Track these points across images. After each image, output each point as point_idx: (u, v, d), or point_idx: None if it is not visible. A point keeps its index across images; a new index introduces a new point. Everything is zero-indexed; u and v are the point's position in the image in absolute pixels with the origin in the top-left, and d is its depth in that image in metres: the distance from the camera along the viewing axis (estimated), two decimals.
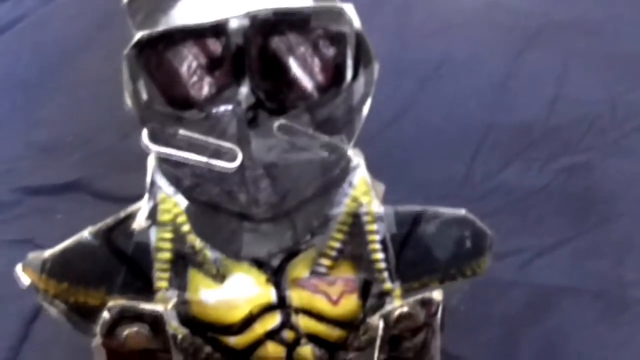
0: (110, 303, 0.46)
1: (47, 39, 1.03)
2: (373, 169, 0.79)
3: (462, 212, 0.51)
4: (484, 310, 0.76)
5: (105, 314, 0.46)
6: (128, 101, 0.45)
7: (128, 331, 0.46)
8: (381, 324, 0.47)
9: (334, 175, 0.48)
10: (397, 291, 0.49)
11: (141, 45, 0.44)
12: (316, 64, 0.46)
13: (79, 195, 0.87)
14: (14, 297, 0.77)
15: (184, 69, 0.45)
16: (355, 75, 0.47)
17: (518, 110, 0.90)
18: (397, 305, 0.47)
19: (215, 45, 0.44)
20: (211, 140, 0.45)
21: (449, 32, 0.93)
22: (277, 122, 0.45)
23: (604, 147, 0.86)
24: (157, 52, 0.44)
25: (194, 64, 0.45)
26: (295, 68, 0.46)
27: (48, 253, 0.48)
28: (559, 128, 0.88)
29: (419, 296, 0.48)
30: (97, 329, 0.46)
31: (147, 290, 0.48)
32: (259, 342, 0.49)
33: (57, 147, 0.91)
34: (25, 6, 1.08)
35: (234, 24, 0.43)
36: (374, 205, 0.49)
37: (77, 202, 0.86)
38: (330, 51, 0.46)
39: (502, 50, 0.92)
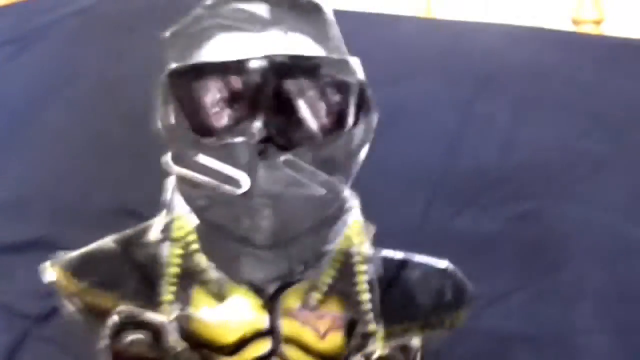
0: (120, 307, 0.51)
1: (11, 94, 1.05)
2: None
3: (445, 263, 0.56)
4: (438, 358, 0.77)
5: (115, 317, 0.50)
6: (159, 123, 0.51)
7: (132, 337, 0.50)
8: None
9: (330, 213, 0.52)
10: (380, 333, 0.52)
11: (174, 75, 0.50)
12: (323, 107, 0.51)
13: (42, 253, 0.87)
14: None
15: (208, 99, 0.50)
16: (355, 122, 0.52)
17: (472, 156, 0.91)
18: (378, 347, 0.51)
19: (236, 82, 0.50)
20: (224, 166, 0.49)
21: (402, 80, 0.94)
22: (284, 157, 0.49)
23: (555, 193, 0.88)
24: (186, 82, 0.50)
25: (217, 97, 0.50)
26: (304, 109, 0.51)
27: (75, 253, 0.54)
28: (511, 174, 0.90)
29: (399, 341, 0.52)
30: (105, 331, 0.50)
31: (154, 301, 0.51)
32: None
33: (20, 204, 0.91)
34: None
35: (254, 64, 0.49)
36: (365, 247, 0.53)
37: (40, 260, 0.87)
38: (335, 97, 0.51)
39: (454, 96, 0.94)
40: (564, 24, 1.08)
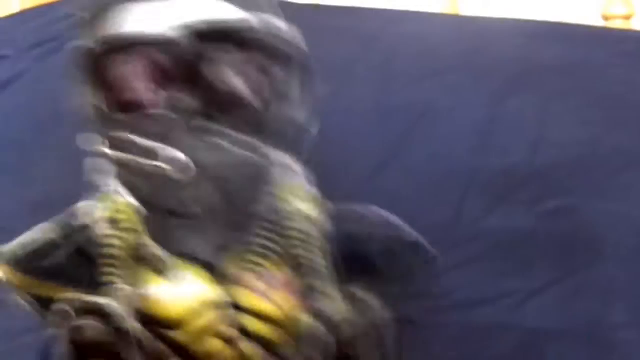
0: (65, 295, 0.50)
1: (41, 96, 1.05)
2: None
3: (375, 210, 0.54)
4: (473, 354, 0.77)
5: (60, 305, 0.49)
6: (78, 103, 0.50)
7: (81, 323, 0.49)
8: (321, 328, 0.50)
9: (256, 174, 0.51)
10: (333, 293, 0.52)
11: (91, 53, 0.49)
12: (253, 75, 0.50)
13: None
14: (14, 355, 0.78)
15: (128, 74, 0.49)
16: (300, 93, 0.52)
17: (502, 153, 0.91)
18: (336, 308, 0.50)
19: (157, 54, 0.49)
20: (150, 142, 0.49)
21: (432, 79, 0.94)
22: (211, 126, 0.49)
23: (587, 189, 0.87)
24: (104, 58, 0.49)
25: (138, 71, 0.49)
26: (233, 78, 0.50)
27: (14, 244, 0.54)
28: (543, 170, 0.89)
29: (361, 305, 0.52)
30: (54, 319, 0.50)
31: (99, 284, 0.50)
32: (201, 338, 0.51)
33: (50, 205, 0.91)
34: (20, 65, 1.10)
35: (172, 33, 0.48)
36: (303, 205, 0.52)
37: None
38: (267, 65, 0.50)
39: (483, 93, 0.94)
40: (594, 19, 1.08)
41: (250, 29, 0.49)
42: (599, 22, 1.09)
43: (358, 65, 0.94)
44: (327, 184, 0.94)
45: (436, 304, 0.80)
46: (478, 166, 0.90)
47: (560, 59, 0.95)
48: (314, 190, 0.53)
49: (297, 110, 0.51)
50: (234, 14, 0.49)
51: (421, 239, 0.54)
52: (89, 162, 0.51)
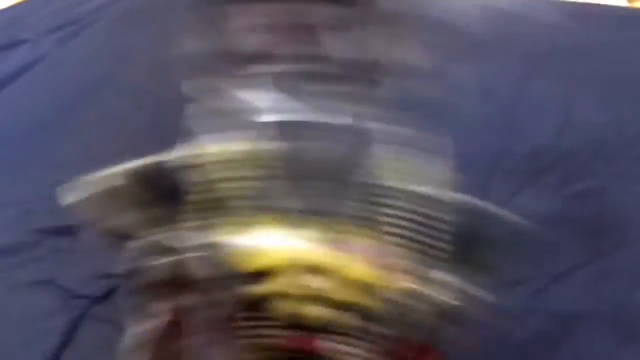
0: (141, 232, 0.48)
1: (63, 79, 1.06)
2: None
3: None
4: (498, 337, 0.76)
5: (135, 243, 0.48)
6: (187, 48, 0.49)
7: (153, 263, 0.48)
8: (397, 299, 0.48)
9: (361, 145, 0.50)
10: (418, 269, 0.50)
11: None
12: (377, 40, 0.50)
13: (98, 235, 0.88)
14: (36, 339, 0.78)
15: (244, 25, 0.48)
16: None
17: (528, 136, 0.90)
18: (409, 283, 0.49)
19: (279, 8, 0.48)
20: (258, 94, 0.47)
21: (456, 61, 0.94)
22: (319, 87, 0.47)
23: (614, 171, 0.86)
24: (221, 8, 0.48)
25: (255, 22, 0.48)
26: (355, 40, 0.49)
27: (96, 176, 0.52)
28: (569, 153, 0.89)
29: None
30: (126, 256, 0.48)
31: (179, 227, 0.49)
32: (272, 294, 0.50)
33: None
34: (40, 49, 1.11)
35: None
36: (397, 182, 0.50)
37: (97, 241, 0.87)
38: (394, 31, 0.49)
39: (509, 77, 0.93)
40: (618, 0, 1.07)
41: None
42: (624, 3, 1.07)
43: None
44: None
45: None
46: (504, 149, 0.90)
47: (586, 41, 0.95)
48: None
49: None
50: None
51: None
52: (190, 108, 0.49)
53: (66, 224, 0.88)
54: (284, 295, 0.50)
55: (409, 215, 0.49)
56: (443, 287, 0.49)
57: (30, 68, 1.08)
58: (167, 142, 0.96)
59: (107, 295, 0.83)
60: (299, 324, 0.50)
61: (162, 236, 0.48)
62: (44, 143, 0.97)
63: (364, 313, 0.50)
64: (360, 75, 0.48)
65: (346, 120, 0.48)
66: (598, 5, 1.02)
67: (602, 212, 0.84)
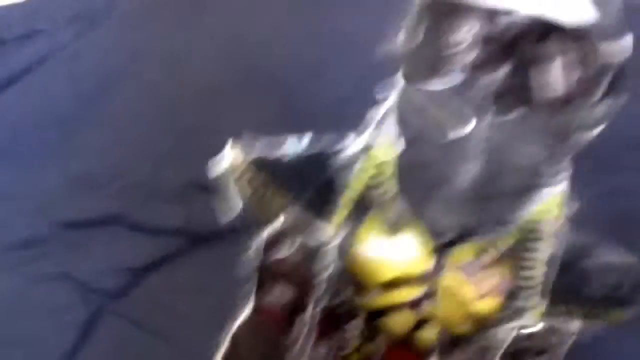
0: (289, 211, 0.48)
1: (81, 71, 1.04)
2: None
3: (631, 258, 0.53)
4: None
5: (279, 221, 0.48)
6: (401, 42, 0.48)
7: (289, 245, 0.48)
8: (511, 335, 0.48)
9: (539, 180, 0.49)
10: (540, 309, 0.50)
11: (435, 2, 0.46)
12: (577, 74, 0.47)
13: (116, 228, 0.87)
14: (54, 333, 0.77)
15: (457, 36, 0.47)
16: (601, 99, 0.48)
17: None
18: (534, 323, 0.49)
19: (493, 27, 0.46)
20: (454, 102, 0.46)
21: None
22: (516, 113, 0.46)
23: None
24: (443, 13, 0.47)
25: (472, 31, 0.46)
26: (556, 70, 0.47)
27: (260, 143, 0.51)
28: (597, 146, 0.86)
29: (556, 322, 0.49)
30: (264, 233, 0.48)
31: (326, 216, 0.49)
32: (396, 307, 0.50)
33: (93, 179, 0.91)
34: (58, 40, 1.09)
35: (516, 17, 0.45)
36: (557, 222, 0.50)
37: (113, 234, 0.86)
38: (591, 67, 0.47)
39: None
40: None
41: (596, 32, 0.45)
42: None
43: None
44: None
45: None
46: None
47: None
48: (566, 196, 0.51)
49: (591, 114, 0.47)
50: (585, 10, 0.45)
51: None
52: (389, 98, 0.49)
53: (86, 217, 0.87)
54: (402, 310, 0.50)
55: (549, 255, 0.49)
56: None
57: (47, 59, 1.07)
58: (184, 134, 0.95)
59: (125, 290, 0.82)
60: (406, 342, 0.50)
61: (308, 220, 0.48)
62: (61, 136, 0.96)
63: (471, 343, 0.50)
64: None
65: (539, 151, 0.47)
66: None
67: (634, 208, 0.82)
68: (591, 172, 0.85)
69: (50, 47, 1.08)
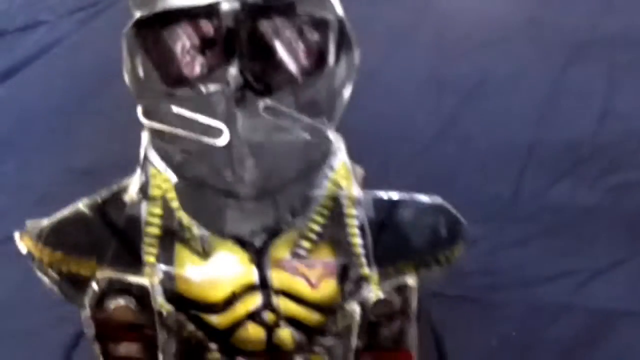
0: (99, 274, 0.47)
1: (82, 62, 1.03)
2: (416, 188, 0.77)
3: (438, 199, 0.52)
4: (538, 334, 0.73)
5: (94, 285, 0.47)
6: (126, 77, 0.48)
7: (115, 303, 0.47)
8: (357, 310, 0.48)
9: (316, 158, 0.49)
10: (374, 277, 0.50)
11: (139, 25, 0.46)
12: (301, 48, 0.48)
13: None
14: (55, 325, 0.76)
15: (178, 48, 0.47)
16: (337, 61, 0.48)
17: (564, 127, 0.87)
18: (373, 291, 0.49)
19: (207, 27, 0.47)
20: (201, 117, 0.47)
21: (490, 48, 0.91)
22: (263, 103, 0.46)
23: None
24: (153, 32, 0.47)
25: (187, 44, 0.47)
26: (281, 51, 0.47)
27: (45, 222, 0.50)
28: (608, 145, 0.85)
29: (394, 282, 0.49)
30: (86, 300, 0.47)
31: (136, 264, 0.48)
32: (240, 323, 0.50)
33: (95, 171, 0.90)
34: (60, 30, 1.08)
35: (225, 7, 0.46)
36: (354, 190, 0.50)
37: None
38: (314, 36, 0.48)
39: (545, 66, 0.90)
40: None
41: (302, 2, 0.46)
42: None
43: (413, 33, 0.90)
44: (384, 154, 0.91)
45: (498, 281, 0.77)
46: (539, 139, 0.86)
47: (626, 29, 0.91)
48: (350, 165, 0.51)
49: (335, 77, 0.48)
50: None
51: (462, 219, 0.51)
52: (143, 135, 0.49)
53: None
54: (246, 325, 0.50)
55: (352, 221, 0.49)
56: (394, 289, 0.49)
57: (49, 50, 1.06)
58: None
59: None
60: (272, 348, 0.50)
61: (121, 275, 0.47)
62: (63, 127, 0.95)
63: (327, 330, 0.50)
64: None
65: (302, 134, 0.47)
66: None
67: None
68: (600, 170, 0.85)
69: (53, 38, 1.07)
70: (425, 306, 0.65)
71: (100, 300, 0.47)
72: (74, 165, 0.90)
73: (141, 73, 0.47)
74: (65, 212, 0.50)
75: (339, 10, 0.48)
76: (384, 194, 0.51)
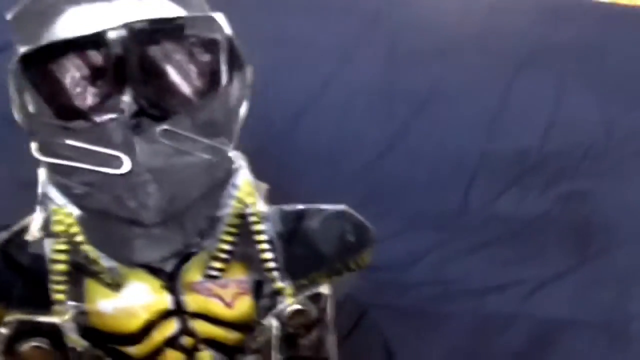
0: (8, 318, 0.46)
1: None
2: (366, 200, 0.77)
3: (342, 206, 0.53)
4: (486, 344, 0.74)
5: (3, 330, 0.46)
6: (16, 115, 0.47)
7: (27, 346, 0.46)
8: (275, 323, 0.49)
9: (218, 177, 0.50)
10: (288, 289, 0.50)
11: (26, 60, 0.45)
12: (192, 70, 0.48)
13: None
14: None
15: (67, 80, 0.47)
16: (230, 80, 0.49)
17: (512, 137, 0.88)
18: (289, 303, 0.49)
19: (96, 57, 0.46)
20: (97, 148, 0.46)
21: (440, 59, 0.91)
22: (160, 128, 0.46)
23: (601, 173, 0.84)
24: (41, 66, 0.46)
25: (77, 75, 0.47)
26: (173, 74, 0.48)
27: None
28: (555, 154, 0.86)
29: (308, 292, 0.50)
30: None
31: (46, 303, 0.48)
32: (158, 350, 0.50)
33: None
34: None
35: (112, 35, 0.46)
36: (259, 205, 0.50)
37: None
38: (205, 57, 0.49)
39: (495, 76, 0.91)
40: None
41: (190, 24, 0.48)
42: None
43: (361, 45, 0.90)
44: (333, 167, 0.91)
45: (446, 291, 0.78)
46: (488, 150, 0.87)
47: (576, 38, 0.92)
48: (254, 181, 0.50)
49: (229, 96, 0.49)
50: (171, 10, 0.48)
51: (369, 224, 0.52)
52: (40, 172, 0.49)
53: None
54: (165, 351, 0.50)
55: (261, 237, 0.50)
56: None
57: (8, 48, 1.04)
58: None
59: None
60: None
61: (30, 317, 0.46)
62: (12, 138, 0.93)
63: (247, 347, 0.51)
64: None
65: (203, 155, 0.48)
66: (587, 2, 0.99)
67: (588, 215, 0.82)
68: (547, 180, 0.86)
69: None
70: (374, 318, 0.66)
71: (10, 345, 0.46)
72: (20, 178, 0.89)
73: (32, 109, 0.46)
74: None
75: (228, 30, 0.48)
76: (289, 207, 0.51)
